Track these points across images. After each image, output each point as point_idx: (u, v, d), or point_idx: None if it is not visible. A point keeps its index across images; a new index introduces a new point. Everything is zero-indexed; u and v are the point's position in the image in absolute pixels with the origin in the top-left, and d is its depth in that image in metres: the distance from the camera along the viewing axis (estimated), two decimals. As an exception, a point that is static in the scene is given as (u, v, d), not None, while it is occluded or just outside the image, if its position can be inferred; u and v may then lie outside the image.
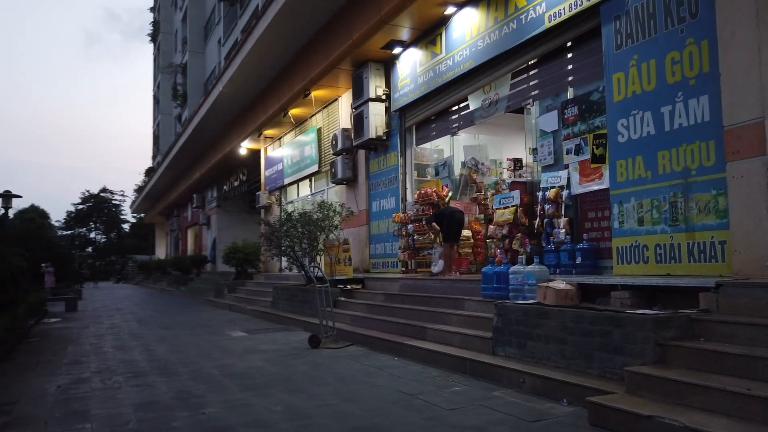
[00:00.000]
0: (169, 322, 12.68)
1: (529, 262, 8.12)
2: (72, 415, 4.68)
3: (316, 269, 11.44)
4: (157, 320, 13.18)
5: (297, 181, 17.74)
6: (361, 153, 13.09)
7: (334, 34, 12.35)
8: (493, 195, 9.26)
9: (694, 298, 4.91)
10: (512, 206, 8.34)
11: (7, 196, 13.87)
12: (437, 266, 9.26)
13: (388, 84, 12.15)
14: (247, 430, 4.14)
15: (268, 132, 18.90)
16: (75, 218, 67.23)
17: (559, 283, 5.84)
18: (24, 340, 9.99)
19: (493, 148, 11.21)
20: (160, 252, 48.93)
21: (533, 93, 8.59)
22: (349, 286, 10.69)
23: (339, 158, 13.52)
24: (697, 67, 5.89)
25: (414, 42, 11.18)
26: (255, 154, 20.97)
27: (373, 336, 7.98)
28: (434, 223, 9.35)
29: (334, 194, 14.99)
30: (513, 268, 6.68)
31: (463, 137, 11.12)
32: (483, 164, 10.54)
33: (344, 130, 13.40)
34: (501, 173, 11.09)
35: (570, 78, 7.95)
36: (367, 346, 7.89)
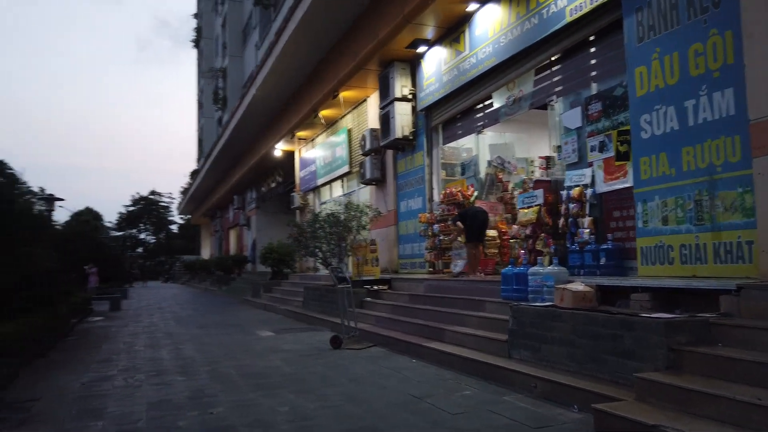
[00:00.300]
0: (205, 321, 13.00)
1: (551, 263, 7.98)
2: (88, 412, 4.85)
3: (344, 270, 11.51)
4: (194, 319, 13.53)
5: (329, 182, 17.90)
6: (389, 153, 13.08)
7: (360, 35, 12.39)
8: (519, 194, 9.09)
9: (717, 301, 4.69)
10: (536, 206, 8.16)
11: (50, 199, 14.51)
12: (457, 266, 9.16)
13: (414, 83, 12.10)
14: (247, 429, 4.19)
15: (301, 133, 19.15)
16: (126, 220, 69.75)
17: (577, 285, 5.68)
18: (65, 338, 10.44)
19: (520, 147, 10.99)
20: (206, 252, 50.22)
21: (557, 89, 8.38)
22: (375, 287, 10.69)
23: (367, 158, 13.56)
24: (721, 59, 5.62)
25: (438, 40, 11.09)
26: (290, 156, 21.27)
27: (394, 337, 7.96)
28: (459, 223, 9.24)
29: (364, 195, 15.03)
30: (532, 269, 6.53)
31: (490, 136, 10.95)
32: (509, 163, 10.35)
33: (372, 130, 13.43)
34: (533, 171, 10.87)
35: (593, 73, 7.72)
36: (388, 347, 7.88)
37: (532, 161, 11.23)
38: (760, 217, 5.10)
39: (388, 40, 11.33)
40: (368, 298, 10.42)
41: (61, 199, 14.64)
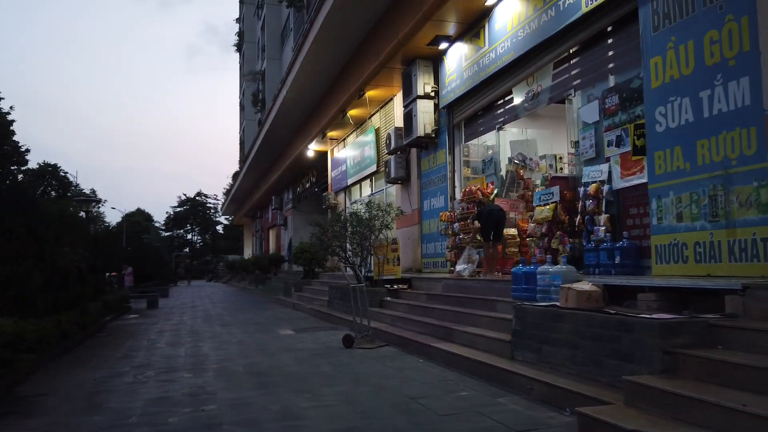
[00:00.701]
0: (232, 319, 13.25)
1: (571, 261, 7.74)
2: (89, 407, 5.00)
3: (365, 269, 11.51)
4: (221, 318, 13.81)
5: (359, 181, 17.94)
6: (414, 152, 12.99)
7: (382, 33, 12.36)
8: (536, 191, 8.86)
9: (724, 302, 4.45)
10: (552, 203, 7.93)
11: (88, 200, 15.08)
12: (465, 268, 8.99)
13: (437, 81, 11.98)
14: (233, 428, 4.22)
15: (332, 133, 19.27)
16: (173, 220, 71.99)
17: (583, 285, 5.49)
18: (96, 334, 10.82)
19: (543, 143, 10.71)
20: (248, 252, 51.29)
21: (575, 83, 8.13)
22: (395, 286, 10.64)
23: (392, 157, 13.51)
24: (737, 46, 5.31)
25: (460, 36, 10.94)
26: (323, 156, 21.44)
27: (407, 337, 7.89)
28: (476, 222, 9.09)
29: (391, 194, 14.99)
30: (540, 268, 6.36)
31: (511, 132, 10.72)
32: (531, 159, 10.10)
33: (397, 129, 13.36)
34: (561, 168, 10.58)
35: (610, 65, 7.44)
36: (400, 347, 7.82)
37: (560, 158, 10.93)
38: (777, 212, 4.82)
39: (410, 38, 11.24)
40: (388, 298, 10.39)
41: (99, 200, 15.17)
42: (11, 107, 28.33)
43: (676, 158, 5.93)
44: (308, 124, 20.01)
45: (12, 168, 24.78)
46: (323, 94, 17.40)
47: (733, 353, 3.77)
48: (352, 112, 16.61)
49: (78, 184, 45.11)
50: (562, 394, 4.53)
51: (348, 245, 11.86)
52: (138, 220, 63.99)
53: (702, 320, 4.17)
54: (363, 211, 11.83)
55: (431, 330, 7.68)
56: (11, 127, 28.32)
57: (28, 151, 30.56)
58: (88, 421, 4.54)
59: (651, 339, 4.09)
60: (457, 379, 5.68)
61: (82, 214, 15.06)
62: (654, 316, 4.38)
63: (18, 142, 29.20)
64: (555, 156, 10.98)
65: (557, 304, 5.35)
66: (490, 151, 11.37)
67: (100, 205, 47.61)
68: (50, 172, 42.42)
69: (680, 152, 5.89)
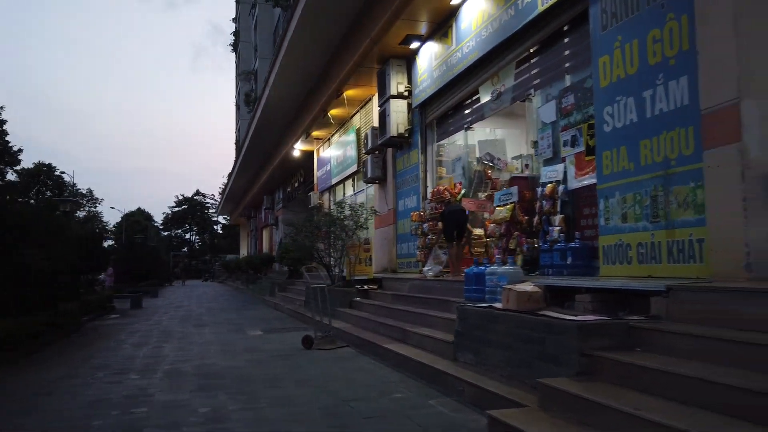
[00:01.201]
0: (209, 320, 13.25)
1: (528, 261, 7.73)
2: (24, 410, 4.99)
3: (339, 269, 11.51)
4: (200, 318, 13.81)
5: (342, 181, 17.93)
6: (390, 151, 12.97)
7: (357, 32, 12.34)
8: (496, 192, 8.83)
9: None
10: (511, 203, 7.92)
11: (65, 200, 15.08)
12: (431, 269, 8.97)
13: (411, 80, 11.95)
14: (154, 431, 4.22)
15: (317, 133, 19.25)
16: (171, 220, 72.09)
17: (526, 286, 5.46)
18: (72, 335, 10.81)
19: (512, 143, 10.66)
20: (244, 252, 51.32)
21: (534, 82, 8.10)
22: (365, 287, 10.62)
23: (369, 157, 13.50)
24: (677, 45, 5.28)
25: (430, 36, 10.93)
26: (310, 156, 21.44)
27: (366, 338, 7.87)
28: (440, 222, 9.07)
29: (371, 193, 14.98)
30: (489, 269, 6.32)
31: (480, 132, 10.68)
32: (499, 159, 10.06)
33: (374, 128, 13.35)
34: (525, 168, 10.51)
35: (567, 65, 7.42)
36: (359, 348, 7.81)
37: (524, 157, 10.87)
38: (710, 213, 4.80)
39: (382, 36, 11.23)
40: (358, 298, 10.37)
41: (78, 202, 15.17)
42: (1, 107, 28.37)
43: (622, 158, 5.90)
44: (293, 124, 20.01)
45: (1, 167, 24.83)
46: (305, 94, 17.40)
47: (649, 356, 3.74)
48: (334, 112, 16.59)
49: (74, 184, 45.18)
50: (489, 396, 4.50)
51: (321, 245, 11.89)
52: (138, 219, 64.12)
53: (623, 322, 4.15)
54: (336, 210, 11.85)
55: (388, 331, 7.66)
56: (3, 127, 28.38)
57: (20, 150, 30.62)
58: (14, 423, 4.54)
59: (570, 341, 4.07)
60: (400, 381, 5.66)
61: (62, 212, 15.06)
62: (578, 318, 4.36)
63: (9, 142, 29.23)
64: (522, 156, 10.95)
65: (494, 305, 5.33)
66: (460, 151, 11.33)
67: (96, 205, 47.73)
68: (45, 172, 42.49)
69: (626, 152, 5.86)
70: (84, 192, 49.91)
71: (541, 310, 5.15)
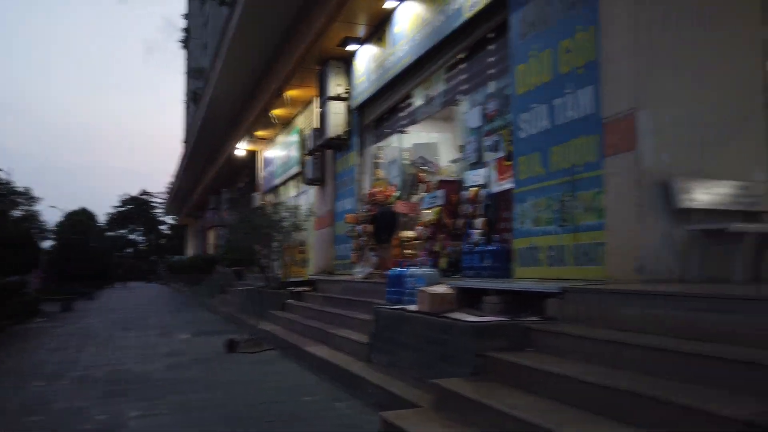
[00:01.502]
0: (139, 324, 12.84)
1: (452, 264, 7.83)
2: None
3: (274, 271, 11.40)
4: (131, 322, 13.36)
5: (286, 182, 17.77)
6: (329, 153, 12.92)
7: (297, 33, 12.24)
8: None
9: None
10: (437, 206, 8.01)
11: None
12: (360, 271, 9.00)
13: (350, 83, 11.95)
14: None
15: (261, 133, 18.99)
16: (116, 220, 69.69)
17: (440, 288, 5.54)
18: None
19: (446, 147, 10.80)
20: (190, 253, 50.13)
21: (462, 88, 8.23)
22: (298, 289, 10.54)
23: (309, 158, 13.42)
24: (585, 56, 5.45)
25: (367, 39, 10.94)
26: (255, 156, 21.15)
27: (291, 341, 7.81)
28: (371, 225, 9.10)
29: (312, 195, 14.89)
30: (409, 271, 6.39)
31: (415, 135, 10.78)
32: (432, 163, 10.17)
33: (315, 130, 13.27)
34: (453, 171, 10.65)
35: (491, 71, 7.56)
36: (284, 350, 7.73)
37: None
38: (608, 218, 4.99)
39: (320, 38, 11.16)
40: (291, 300, 10.27)
41: (16, 202, 14.44)
42: None
43: (535, 164, 6.06)
44: (237, 123, 19.69)
45: None
46: (248, 93, 17.14)
47: (537, 356, 3.85)
48: (278, 112, 16.41)
49: (9, 182, 43.10)
50: (394, 398, 4.53)
51: (257, 247, 11.75)
52: (81, 219, 61.61)
53: (519, 323, 4.25)
54: (272, 211, 11.73)
55: (313, 333, 7.62)
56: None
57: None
58: None
59: (468, 342, 4.14)
60: (315, 384, 5.64)
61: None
62: (477, 319, 4.44)
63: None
64: (458, 160, 11.14)
65: (406, 307, 5.37)
66: (396, 154, 11.41)
67: (33, 204, 45.71)
68: (-24, 168, 40.34)
69: (538, 158, 6.02)
70: (20, 190, 47.67)
71: (453, 312, 5.23)
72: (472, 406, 3.47)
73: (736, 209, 4.55)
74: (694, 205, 4.47)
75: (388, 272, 6.99)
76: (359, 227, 10.48)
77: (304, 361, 6.79)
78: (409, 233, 9.69)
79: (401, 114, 10.27)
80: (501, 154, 7.09)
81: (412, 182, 10.16)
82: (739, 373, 2.59)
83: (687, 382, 2.80)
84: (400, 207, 9.48)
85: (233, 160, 22.54)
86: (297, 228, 11.58)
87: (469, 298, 5.70)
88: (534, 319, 4.38)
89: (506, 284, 5.32)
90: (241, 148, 20.37)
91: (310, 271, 12.47)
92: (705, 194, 4.49)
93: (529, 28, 6.29)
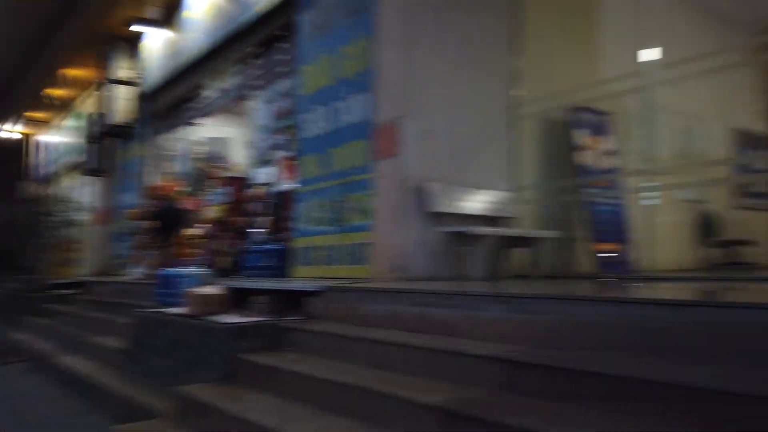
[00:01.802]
0: None
1: (235, 263, 7.57)
2: None
3: (35, 271, 9.97)
4: None
5: (64, 172, 15.74)
6: (114, 142, 11.72)
7: (76, 5, 10.91)
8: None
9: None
10: (223, 204, 7.70)
11: None
12: (138, 271, 8.35)
13: (141, 67, 10.98)
14: None
15: (35, 115, 16.62)
16: None
17: (210, 288, 5.25)
18: None
19: (240, 142, 10.51)
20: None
21: (254, 83, 8.02)
22: (63, 291, 9.35)
23: (91, 147, 12.03)
24: (363, 63, 5.62)
25: (159, 22, 10.15)
26: (26, 141, 18.42)
27: (44, 351, 6.86)
28: (151, 221, 8.41)
29: (94, 186, 13.38)
30: (179, 271, 5.99)
31: (209, 129, 10.32)
32: (223, 158, 9.81)
33: (99, 115, 11.95)
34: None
35: (283, 69, 7.47)
36: (34, 362, 6.75)
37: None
38: (376, 219, 5.19)
39: (101, 14, 10.10)
40: (52, 305, 9.05)
41: None
42: None
43: (316, 165, 6.09)
44: (3, 102, 16.95)
45: None
46: (16, 67, 14.82)
47: (289, 356, 3.79)
48: (58, 93, 14.51)
49: None
50: (137, 410, 4.15)
51: (16, 242, 10.20)
52: None
53: (277, 323, 4.18)
54: (39, 204, 10.27)
55: (69, 342, 6.77)
56: None
57: None
58: None
59: (222, 345, 3.96)
60: (59, 398, 5.01)
61: None
62: (238, 320, 4.29)
63: None
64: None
65: (165, 310, 5.01)
66: (186, 147, 10.78)
67: None
68: None
69: (318, 160, 6.07)
70: None
71: (220, 314, 5.00)
72: (209, 412, 3.30)
73: (481, 214, 5.05)
74: (446, 209, 4.85)
75: (157, 272, 6.49)
76: (141, 224, 9.65)
77: (52, 373, 5.98)
78: (195, 231, 9.20)
79: (193, 105, 9.70)
80: (289, 153, 7.05)
81: (202, 177, 9.66)
82: (444, 361, 2.80)
83: (411, 374, 2.95)
84: (187, 203, 8.92)
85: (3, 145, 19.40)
86: (69, 224, 10.28)
87: (244, 299, 5.54)
88: (295, 318, 4.34)
89: (274, 284, 5.22)
90: (8, 131, 17.63)
91: (84, 272, 11.17)
92: (455, 200, 4.90)
93: (316, 30, 6.34)
